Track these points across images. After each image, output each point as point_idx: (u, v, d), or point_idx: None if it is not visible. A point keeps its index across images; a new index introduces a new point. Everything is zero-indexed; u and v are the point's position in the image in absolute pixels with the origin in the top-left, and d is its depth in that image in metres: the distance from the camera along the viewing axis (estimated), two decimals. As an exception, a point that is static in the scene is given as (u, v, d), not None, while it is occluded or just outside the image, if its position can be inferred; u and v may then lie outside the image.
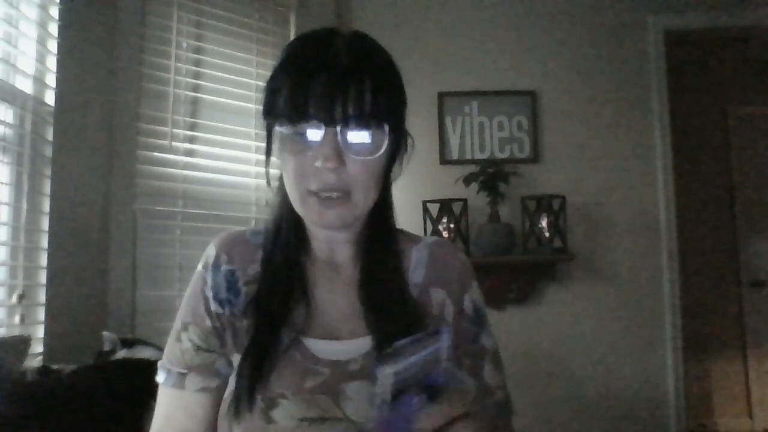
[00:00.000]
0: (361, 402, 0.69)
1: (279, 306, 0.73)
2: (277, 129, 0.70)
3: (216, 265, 0.77)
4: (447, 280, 0.80)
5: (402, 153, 0.76)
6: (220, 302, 0.75)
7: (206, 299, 0.75)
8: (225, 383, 0.74)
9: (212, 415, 0.74)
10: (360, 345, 0.73)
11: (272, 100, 0.70)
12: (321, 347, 0.72)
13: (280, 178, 0.78)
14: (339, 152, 0.67)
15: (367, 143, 0.68)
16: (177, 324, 0.76)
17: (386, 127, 0.69)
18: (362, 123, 0.67)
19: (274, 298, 0.74)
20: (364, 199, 0.71)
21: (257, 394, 0.68)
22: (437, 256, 0.82)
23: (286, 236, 0.77)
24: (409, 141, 0.77)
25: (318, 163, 0.67)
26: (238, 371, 0.71)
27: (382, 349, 0.70)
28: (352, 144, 0.67)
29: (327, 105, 0.66)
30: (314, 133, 0.67)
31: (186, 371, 0.74)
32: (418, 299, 0.77)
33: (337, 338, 0.73)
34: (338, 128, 0.66)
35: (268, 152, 0.74)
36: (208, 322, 0.74)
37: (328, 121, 0.66)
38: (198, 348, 0.74)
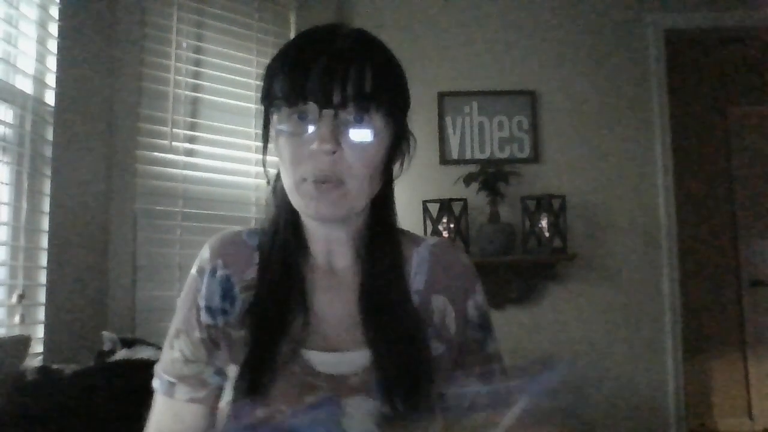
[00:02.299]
0: (362, 417, 0.66)
1: (277, 316, 0.71)
2: (275, 113, 0.68)
3: (210, 270, 0.74)
4: (449, 284, 0.78)
5: (404, 150, 0.75)
6: (213, 312, 0.73)
7: (198, 308, 0.73)
8: (216, 391, 0.72)
9: (203, 423, 0.72)
10: (360, 357, 0.70)
11: (270, 84, 0.69)
12: (320, 360, 0.70)
13: (277, 179, 0.76)
14: (335, 135, 0.65)
15: (365, 129, 0.67)
16: (171, 329, 0.75)
17: (385, 114, 0.68)
18: (361, 106, 0.66)
19: (272, 307, 0.71)
20: (359, 188, 0.68)
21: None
22: (439, 259, 0.79)
23: (284, 238, 0.75)
24: (412, 141, 0.75)
25: (314, 146, 0.65)
26: (235, 385, 0.69)
27: (380, 364, 0.68)
28: (349, 128, 0.66)
29: (325, 87, 0.64)
30: (311, 116, 0.66)
31: (175, 381, 0.73)
32: (419, 307, 0.74)
33: (337, 350, 0.71)
34: (335, 111, 0.65)
35: (266, 140, 0.73)
36: (197, 333, 0.73)
37: (325, 103, 0.64)
38: (186, 360, 0.73)
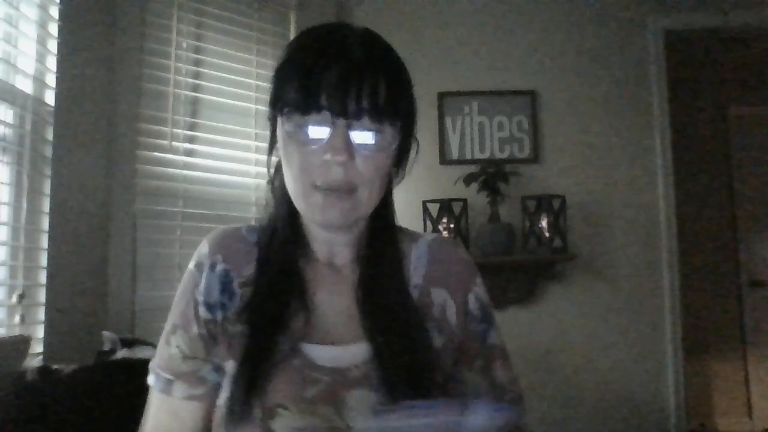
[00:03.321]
0: (363, 411, 0.66)
1: (276, 311, 0.70)
2: (285, 120, 0.67)
3: (209, 265, 0.74)
4: (448, 278, 0.78)
5: (408, 155, 0.75)
6: (212, 306, 0.72)
7: (196, 303, 0.73)
8: (214, 389, 0.72)
9: (201, 420, 0.72)
10: (360, 350, 0.70)
11: (281, 89, 0.68)
12: (320, 353, 0.70)
13: (276, 174, 0.76)
14: (349, 145, 0.65)
15: (378, 139, 0.66)
16: (168, 324, 0.75)
17: (398, 125, 0.68)
18: (375, 117, 0.65)
19: (271, 302, 0.71)
20: (368, 198, 0.69)
21: (254, 405, 0.65)
22: (437, 254, 0.80)
23: (283, 234, 0.75)
24: (414, 145, 0.75)
25: (327, 156, 0.65)
26: (233, 380, 0.68)
27: (380, 356, 0.68)
28: (362, 139, 0.66)
29: (340, 96, 0.64)
30: (324, 125, 0.65)
31: (173, 378, 0.72)
32: (418, 301, 0.75)
33: (337, 343, 0.71)
34: (350, 121, 0.64)
35: (272, 145, 0.72)
36: (194, 329, 0.72)
37: (340, 113, 0.64)
38: (184, 356, 0.72)
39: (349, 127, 0.65)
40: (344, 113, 0.64)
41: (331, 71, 0.64)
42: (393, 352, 0.68)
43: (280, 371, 0.67)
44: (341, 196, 0.67)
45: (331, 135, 0.65)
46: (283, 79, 0.68)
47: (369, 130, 0.66)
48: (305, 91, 0.65)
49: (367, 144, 0.66)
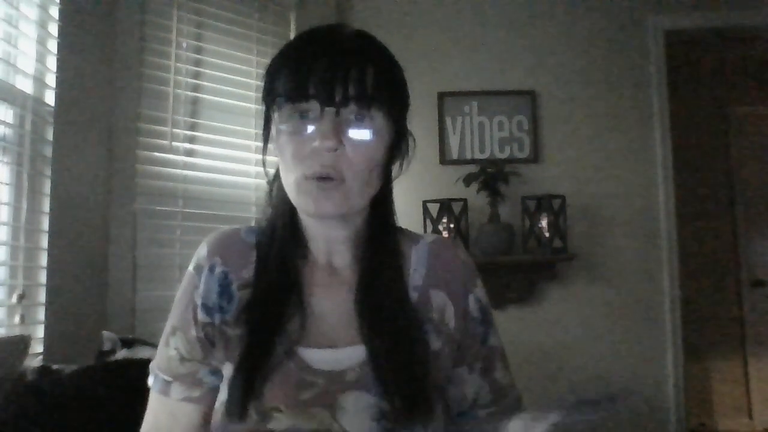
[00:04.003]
0: (358, 414, 0.66)
1: (274, 314, 0.71)
2: (276, 112, 0.69)
3: (208, 267, 0.74)
4: (448, 280, 0.78)
5: (403, 151, 0.75)
6: (210, 309, 0.72)
7: (195, 306, 0.73)
8: (211, 391, 0.72)
9: (199, 422, 0.72)
10: (356, 352, 0.70)
11: (272, 82, 0.69)
12: (316, 357, 0.70)
13: (274, 179, 0.76)
14: (337, 132, 0.65)
15: (366, 127, 0.67)
16: (167, 326, 0.75)
17: (386, 113, 0.68)
18: (362, 105, 0.66)
19: (269, 305, 0.71)
20: (359, 186, 0.68)
21: (250, 408, 0.66)
22: (437, 255, 0.79)
23: (282, 236, 0.75)
24: (411, 141, 0.76)
25: (316, 143, 0.66)
26: (230, 383, 0.69)
27: (376, 359, 0.68)
28: (350, 126, 0.67)
29: (327, 85, 0.65)
30: (313, 114, 0.66)
31: (171, 379, 0.73)
32: (417, 303, 0.74)
33: (334, 346, 0.71)
34: (338, 109, 0.65)
35: (266, 138, 0.73)
36: (193, 332, 0.73)
37: (327, 101, 0.65)
38: (182, 358, 0.73)
39: (337, 115, 0.66)
40: (331, 101, 0.65)
41: (319, 61, 0.65)
42: (389, 354, 0.68)
43: (277, 375, 0.68)
44: (332, 185, 0.67)
45: (320, 123, 0.66)
46: (274, 72, 0.69)
47: (357, 117, 0.67)
48: (293, 82, 0.66)
49: (356, 131, 0.67)
